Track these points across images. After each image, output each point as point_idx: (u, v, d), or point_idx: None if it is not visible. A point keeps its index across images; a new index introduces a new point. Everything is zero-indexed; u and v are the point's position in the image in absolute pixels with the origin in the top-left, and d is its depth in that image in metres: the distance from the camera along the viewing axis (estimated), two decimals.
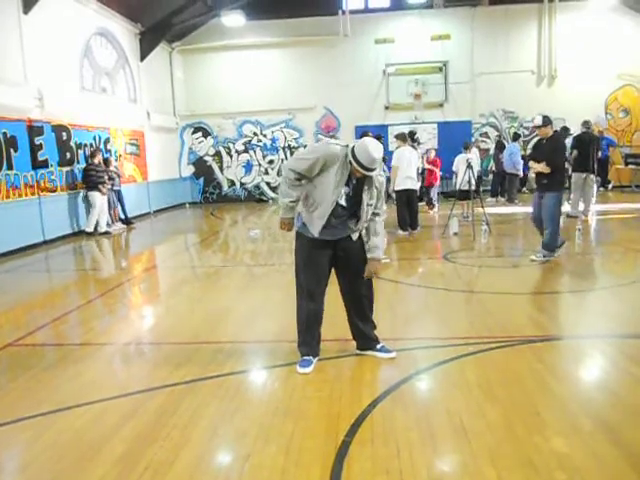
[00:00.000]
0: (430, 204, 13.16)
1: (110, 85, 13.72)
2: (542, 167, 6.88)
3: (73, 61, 11.92)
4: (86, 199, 11.67)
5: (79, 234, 11.47)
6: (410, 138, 10.64)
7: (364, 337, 4.17)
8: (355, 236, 3.97)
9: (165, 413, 3.32)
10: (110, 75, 13.72)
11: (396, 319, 5.15)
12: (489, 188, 15.44)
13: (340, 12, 16.41)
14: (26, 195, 10.14)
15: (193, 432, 3.07)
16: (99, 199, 11.47)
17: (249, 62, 17.20)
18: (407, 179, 9.55)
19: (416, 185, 9.92)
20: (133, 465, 2.75)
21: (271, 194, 17.98)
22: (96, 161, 11.59)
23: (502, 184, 15.04)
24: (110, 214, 12.25)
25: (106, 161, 12.28)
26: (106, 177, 11.80)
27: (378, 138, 10.04)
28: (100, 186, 11.46)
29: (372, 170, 3.65)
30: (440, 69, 16.91)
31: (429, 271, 7.53)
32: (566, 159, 6.97)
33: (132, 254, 10.41)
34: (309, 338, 4.04)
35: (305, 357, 3.97)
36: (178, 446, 2.91)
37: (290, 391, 3.55)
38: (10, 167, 9.71)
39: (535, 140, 7.48)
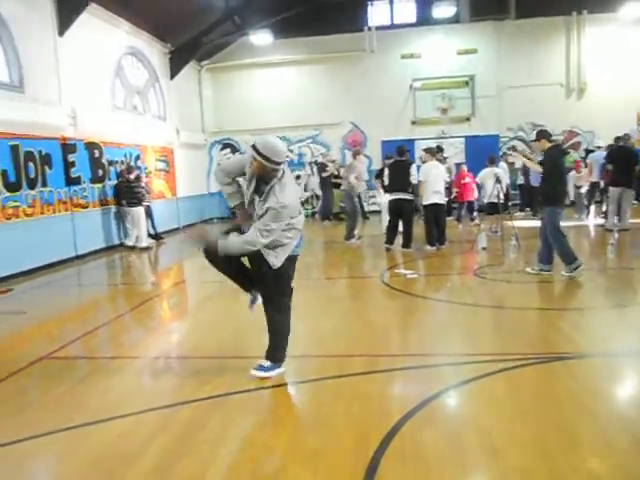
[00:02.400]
0: (459, 219, 13.09)
1: (141, 103, 14.04)
2: (520, 156, 7.15)
3: (105, 80, 12.23)
4: (119, 214, 11.95)
5: (109, 249, 11.67)
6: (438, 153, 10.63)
7: None
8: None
9: (194, 427, 3.34)
10: (141, 93, 14.04)
11: (424, 335, 5.11)
12: (518, 202, 15.27)
13: (366, 28, 16.55)
14: (59, 211, 10.38)
15: (222, 447, 3.09)
16: (137, 214, 11.71)
17: (276, 79, 17.42)
18: (435, 194, 9.52)
19: (443, 200, 9.87)
20: (164, 478, 2.77)
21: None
22: (132, 177, 11.82)
23: (530, 198, 14.85)
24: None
25: (137, 177, 12.54)
26: (144, 192, 12.09)
27: (404, 152, 10.08)
28: (134, 202, 11.70)
29: (265, 158, 3.57)
30: (466, 83, 16.86)
31: (457, 286, 7.45)
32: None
33: (162, 269, 10.56)
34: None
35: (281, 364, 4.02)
36: (208, 460, 2.93)
37: (318, 406, 3.54)
38: (44, 184, 9.97)
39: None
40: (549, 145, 7.03)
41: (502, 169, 11.96)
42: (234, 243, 3.77)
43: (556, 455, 2.84)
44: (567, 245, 6.95)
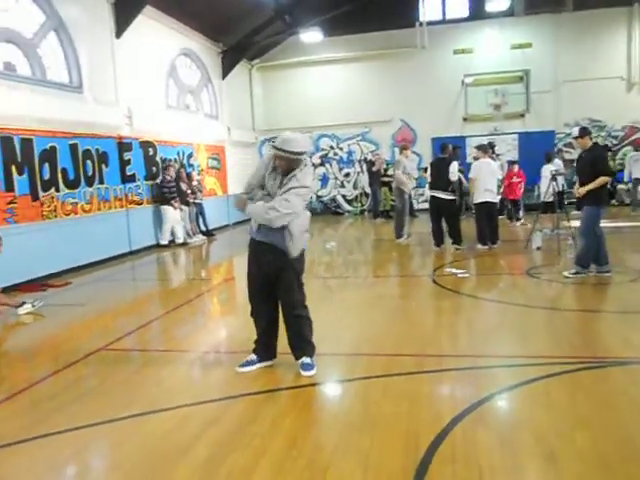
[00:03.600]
0: (511, 218, 12.77)
1: (193, 102, 14.34)
2: (583, 190, 6.69)
3: (159, 80, 12.54)
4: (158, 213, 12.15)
5: (160, 246, 11.94)
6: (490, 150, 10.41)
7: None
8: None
9: (245, 421, 3.39)
10: (194, 93, 14.34)
11: (475, 335, 5.01)
12: (574, 200, 14.77)
13: (417, 24, 16.34)
14: (115, 208, 10.72)
15: (272, 441, 3.11)
16: (171, 213, 11.92)
17: (326, 77, 17.45)
18: (486, 192, 9.32)
19: (496, 198, 9.64)
20: (215, 470, 2.83)
21: (347, 207, 18.06)
22: (168, 177, 11.98)
23: None
24: (191, 226, 12.75)
25: (189, 175, 12.81)
26: (189, 190, 12.31)
27: (445, 149, 9.92)
28: (172, 201, 11.88)
29: (281, 150, 3.72)
30: (521, 78, 16.41)
31: (510, 287, 7.27)
32: (609, 172, 6.81)
33: (212, 265, 10.76)
34: None
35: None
36: (258, 454, 2.96)
37: (367, 406, 3.52)
38: (101, 181, 10.32)
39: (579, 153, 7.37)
40: (591, 143, 6.85)
41: (558, 166, 11.60)
42: (259, 207, 3.90)
43: (615, 466, 2.72)
44: (593, 250, 6.75)
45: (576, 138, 6.91)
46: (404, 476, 2.70)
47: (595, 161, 6.69)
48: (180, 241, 12.04)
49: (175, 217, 12.03)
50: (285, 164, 3.80)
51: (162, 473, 2.85)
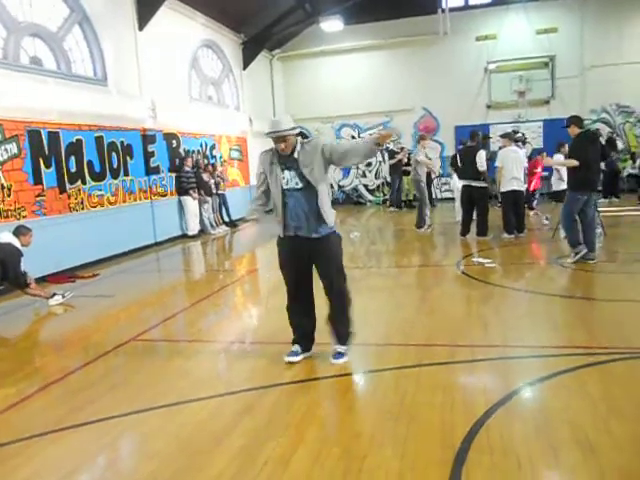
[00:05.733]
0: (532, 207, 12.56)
1: (215, 94, 14.36)
2: (548, 160, 8.29)
3: (182, 72, 12.58)
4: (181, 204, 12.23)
5: (185, 237, 12.04)
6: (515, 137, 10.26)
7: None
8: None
9: (279, 411, 3.40)
10: (215, 84, 14.36)
11: (506, 325, 4.95)
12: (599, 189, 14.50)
13: (439, 10, 16.08)
14: (140, 200, 10.82)
15: (307, 430, 3.12)
16: (191, 203, 11.98)
17: (347, 66, 17.34)
18: (513, 180, 9.20)
19: (522, 186, 9.50)
20: (252, 459, 2.84)
21: (369, 197, 17.99)
22: (187, 167, 12.02)
23: (614, 184, 14.09)
24: (214, 217, 12.83)
25: (213, 166, 12.87)
26: (212, 181, 12.36)
27: (474, 136, 9.80)
28: (191, 191, 11.94)
29: (277, 132, 3.81)
30: (546, 64, 16.12)
31: (539, 276, 7.17)
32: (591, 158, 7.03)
33: (237, 255, 10.79)
34: None
35: None
36: (294, 443, 2.97)
37: (401, 395, 3.50)
38: (126, 173, 10.41)
39: None
40: (578, 131, 7.04)
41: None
42: (358, 149, 3.99)
43: None
44: (575, 230, 7.15)
45: (565, 127, 7.18)
46: (442, 465, 2.68)
47: (571, 149, 7.20)
48: (193, 233, 12.04)
49: (193, 208, 12.08)
50: (288, 143, 3.88)
51: (199, 462, 2.87)
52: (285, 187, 3.95)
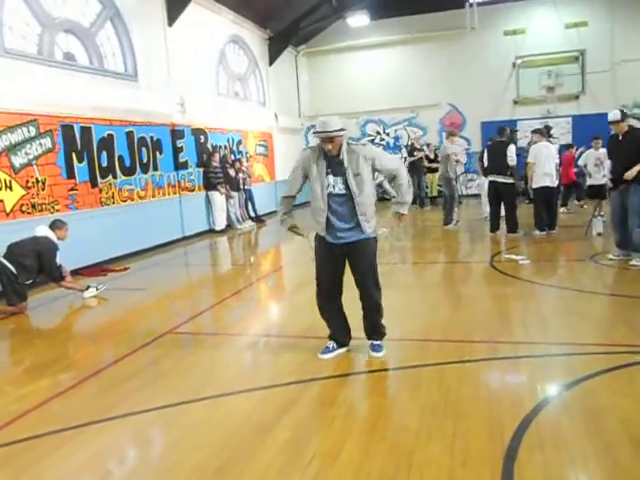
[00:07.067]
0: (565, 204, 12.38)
1: (242, 89, 14.40)
2: (634, 172, 6.44)
3: (210, 68, 12.63)
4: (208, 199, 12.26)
5: (211, 231, 12.09)
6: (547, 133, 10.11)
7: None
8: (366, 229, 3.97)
9: (323, 404, 3.40)
10: (242, 80, 14.40)
11: (546, 322, 4.89)
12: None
13: (467, 5, 15.87)
14: (169, 194, 10.90)
15: (354, 424, 3.11)
16: (218, 198, 12.03)
17: (372, 61, 17.25)
18: (545, 176, 9.06)
19: (555, 182, 9.34)
20: (300, 452, 2.83)
21: (394, 192, 17.84)
22: (214, 163, 12.04)
23: None
24: (240, 212, 12.89)
25: (239, 161, 12.91)
26: (239, 175, 12.40)
27: (503, 132, 9.68)
28: (218, 186, 11.98)
29: (326, 132, 3.78)
30: (576, 58, 15.83)
31: (575, 273, 7.05)
32: None
33: (263, 250, 10.81)
34: None
35: None
36: (342, 437, 2.96)
37: (445, 391, 3.47)
38: (156, 168, 10.50)
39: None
40: (627, 127, 6.66)
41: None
42: (404, 190, 4.25)
43: None
44: None
45: (616, 122, 6.65)
46: (493, 462, 2.65)
47: (635, 146, 6.53)
48: (220, 228, 12.07)
49: (220, 203, 12.13)
50: (336, 144, 3.86)
51: (247, 453, 2.87)
52: (329, 191, 3.93)
